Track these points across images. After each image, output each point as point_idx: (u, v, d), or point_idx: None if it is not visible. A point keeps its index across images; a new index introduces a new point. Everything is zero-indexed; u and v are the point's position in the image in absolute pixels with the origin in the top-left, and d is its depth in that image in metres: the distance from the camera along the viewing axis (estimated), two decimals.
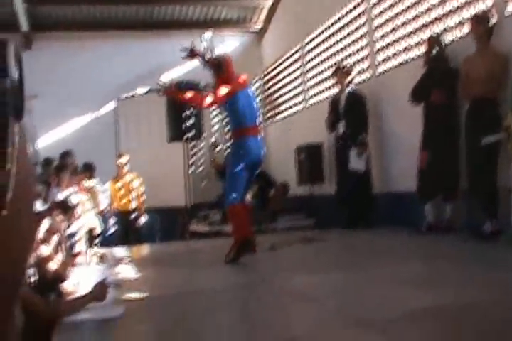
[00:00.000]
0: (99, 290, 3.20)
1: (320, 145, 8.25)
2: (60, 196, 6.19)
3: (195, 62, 6.18)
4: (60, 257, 4.53)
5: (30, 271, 3.52)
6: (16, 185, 0.62)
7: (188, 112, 8.05)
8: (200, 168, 10.52)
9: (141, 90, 8.76)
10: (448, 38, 5.96)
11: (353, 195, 6.96)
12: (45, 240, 4.19)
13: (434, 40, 5.88)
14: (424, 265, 4.27)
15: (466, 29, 5.69)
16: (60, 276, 4.11)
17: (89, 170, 8.20)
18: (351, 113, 7.03)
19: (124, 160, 8.76)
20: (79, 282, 4.05)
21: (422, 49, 6.16)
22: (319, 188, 8.21)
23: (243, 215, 5.11)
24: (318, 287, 3.78)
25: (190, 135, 8.17)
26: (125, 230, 8.73)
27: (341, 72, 7.38)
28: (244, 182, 5.07)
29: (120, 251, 6.72)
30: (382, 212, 6.93)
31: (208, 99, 5.01)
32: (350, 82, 7.42)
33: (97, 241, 7.52)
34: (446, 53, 5.78)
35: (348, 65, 7.65)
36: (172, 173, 9.43)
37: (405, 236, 5.87)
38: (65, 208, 5.07)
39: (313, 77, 9.47)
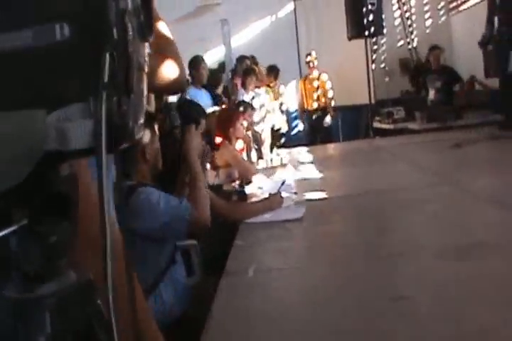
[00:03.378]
0: (275, 200, 3.33)
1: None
2: (246, 97, 6.36)
3: None
4: (244, 158, 4.73)
5: (213, 172, 3.71)
6: None
7: (368, 7, 7.76)
8: (383, 65, 10.16)
9: None
10: None
11: None
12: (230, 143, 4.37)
13: None
14: None
15: None
16: (243, 178, 4.30)
17: (273, 72, 8.34)
18: None
19: (312, 57, 8.76)
20: (261, 184, 4.21)
21: None
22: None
23: None
24: (507, 190, 3.57)
25: (371, 31, 7.90)
26: (312, 129, 8.85)
27: None
28: None
29: (304, 150, 6.82)
30: None
31: None
32: None
33: (282, 140, 7.73)
34: None
35: None
36: (354, 70, 9.24)
37: None
38: (249, 108, 5.19)
39: None
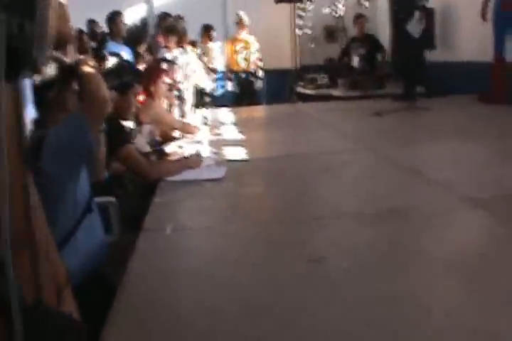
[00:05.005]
0: (194, 159, 3.30)
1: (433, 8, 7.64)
2: (168, 55, 6.23)
3: None
4: (168, 117, 4.65)
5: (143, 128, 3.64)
6: None
7: None
8: (309, 31, 10.14)
9: None
10: None
11: (409, 62, 6.62)
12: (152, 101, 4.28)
13: None
14: None
15: None
16: (165, 136, 4.24)
17: (208, 31, 8.21)
18: None
19: (242, 17, 8.63)
20: (182, 143, 4.17)
21: None
22: (431, 54, 7.69)
23: None
24: (424, 158, 3.68)
25: None
26: (240, 91, 8.79)
27: None
28: None
29: (227, 111, 6.78)
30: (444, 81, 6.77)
31: None
32: None
33: (206, 101, 7.65)
34: None
35: None
36: (280, 35, 9.22)
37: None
38: (171, 66, 5.07)
39: None
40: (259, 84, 8.69)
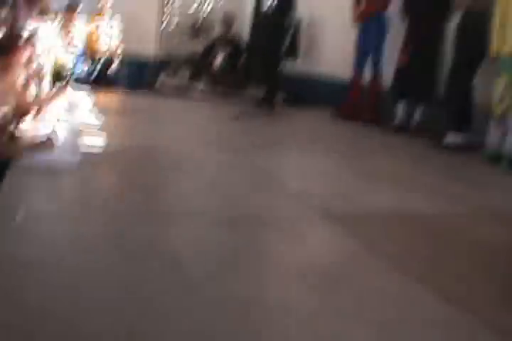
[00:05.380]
0: (46, 143, 3.17)
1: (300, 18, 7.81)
2: (28, 26, 5.91)
3: None
4: (22, 93, 4.40)
5: None
6: None
7: None
8: (174, 22, 10.08)
9: None
10: None
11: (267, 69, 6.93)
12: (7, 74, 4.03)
13: None
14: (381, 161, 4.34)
15: None
16: (18, 114, 4.02)
17: (73, 7, 7.88)
18: None
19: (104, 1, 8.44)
20: (37, 123, 3.98)
21: None
22: (295, 64, 7.86)
23: None
24: (281, 167, 3.80)
25: None
26: (96, 73, 8.54)
27: None
28: None
29: (85, 94, 6.55)
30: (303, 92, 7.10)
31: None
32: None
33: (65, 80, 7.33)
34: None
35: None
36: (147, 21, 9.08)
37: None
38: (32, 37, 4.81)
39: None
40: (118, 70, 8.52)
